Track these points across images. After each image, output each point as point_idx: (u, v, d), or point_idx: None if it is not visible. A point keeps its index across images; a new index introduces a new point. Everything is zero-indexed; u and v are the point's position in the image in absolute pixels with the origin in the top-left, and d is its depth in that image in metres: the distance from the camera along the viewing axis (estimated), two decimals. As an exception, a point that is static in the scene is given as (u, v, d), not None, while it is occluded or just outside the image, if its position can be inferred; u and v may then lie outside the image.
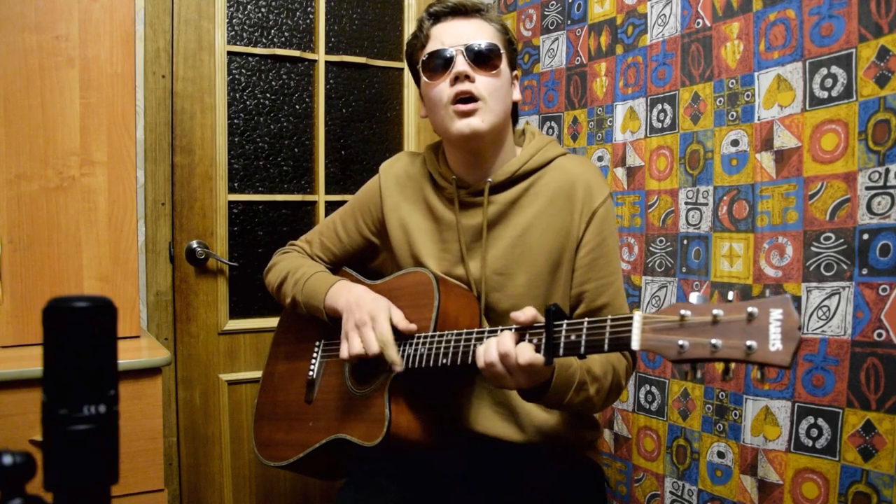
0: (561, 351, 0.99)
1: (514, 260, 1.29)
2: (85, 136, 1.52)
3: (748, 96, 1.53)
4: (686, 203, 1.68)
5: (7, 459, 0.44)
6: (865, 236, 1.32)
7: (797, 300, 1.43)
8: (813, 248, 1.41)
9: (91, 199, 1.53)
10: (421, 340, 1.20)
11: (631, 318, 0.91)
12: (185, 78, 2.00)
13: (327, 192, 2.22)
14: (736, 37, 1.56)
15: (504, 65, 1.28)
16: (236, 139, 2.10)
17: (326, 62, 2.20)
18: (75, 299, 0.46)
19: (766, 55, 1.49)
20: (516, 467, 1.30)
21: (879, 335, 1.30)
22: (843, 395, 1.35)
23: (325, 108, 2.20)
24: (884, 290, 1.29)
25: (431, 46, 1.28)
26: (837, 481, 1.36)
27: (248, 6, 2.10)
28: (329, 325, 1.35)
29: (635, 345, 0.89)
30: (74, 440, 0.45)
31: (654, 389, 1.76)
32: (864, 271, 1.32)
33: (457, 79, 1.23)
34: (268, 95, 2.14)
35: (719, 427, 1.59)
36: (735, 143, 1.57)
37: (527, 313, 1.04)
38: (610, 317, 0.95)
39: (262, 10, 2.12)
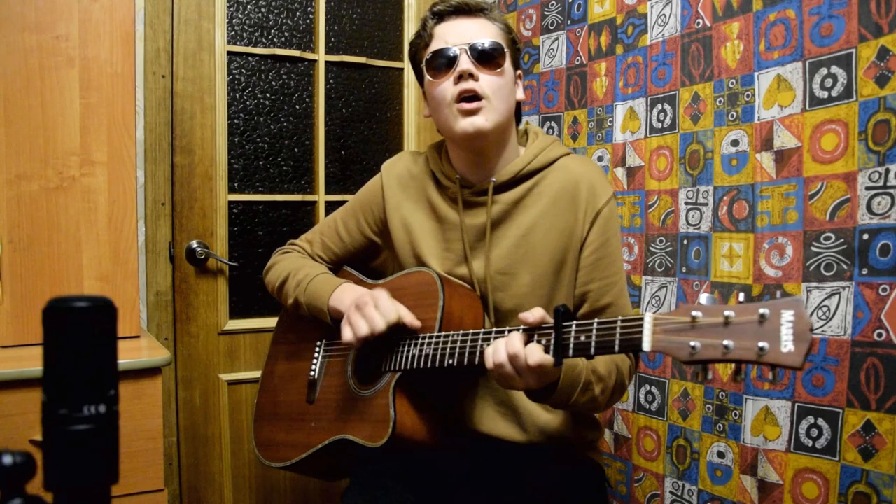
0: (570, 352, 0.99)
1: (518, 259, 1.29)
2: (85, 136, 1.52)
3: (748, 96, 1.53)
4: (686, 203, 1.68)
5: (7, 459, 0.44)
6: (865, 236, 1.32)
7: (797, 300, 1.43)
8: (813, 248, 1.41)
9: (91, 199, 1.53)
10: (426, 341, 1.20)
11: (642, 319, 0.91)
12: (185, 78, 2.00)
13: (327, 192, 2.22)
14: (736, 37, 1.56)
15: (508, 64, 1.28)
16: (236, 139, 2.10)
17: (326, 62, 2.20)
18: (75, 299, 0.46)
19: (766, 55, 1.49)
20: (518, 467, 1.30)
21: (879, 335, 1.30)
22: (843, 395, 1.35)
23: (325, 108, 2.20)
24: (884, 290, 1.29)
25: (435, 45, 1.28)
26: (837, 481, 1.36)
27: (248, 6, 2.10)
28: (331, 325, 1.35)
29: (646, 346, 0.89)
30: (74, 440, 0.45)
31: (654, 389, 1.76)
32: (864, 271, 1.32)
33: (461, 77, 1.23)
34: (268, 95, 2.14)
35: (719, 427, 1.59)
36: (735, 143, 1.57)
37: (535, 314, 1.04)
38: (620, 318, 0.95)
39: (262, 10, 2.12)
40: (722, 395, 1.59)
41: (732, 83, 1.57)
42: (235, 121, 2.10)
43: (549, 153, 1.32)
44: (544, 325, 1.04)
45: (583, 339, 0.98)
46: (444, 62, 1.26)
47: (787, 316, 0.78)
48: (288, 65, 2.16)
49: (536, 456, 1.30)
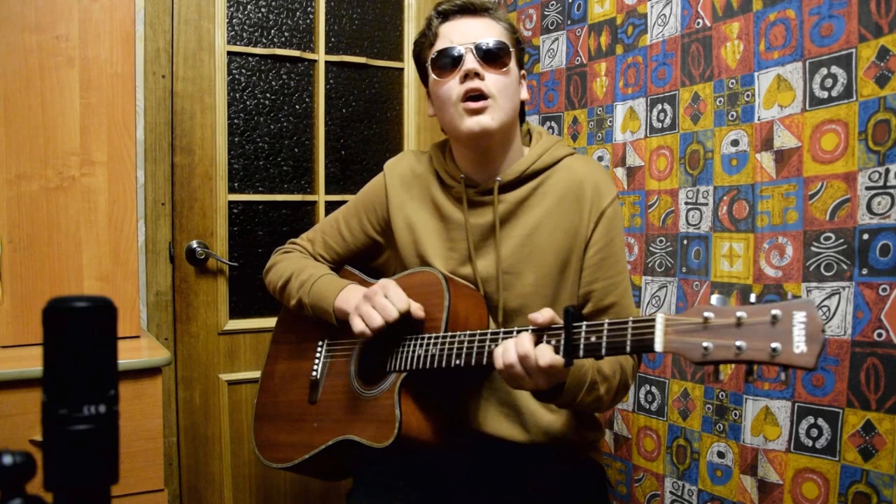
0: (581, 352, 0.99)
1: (523, 259, 1.29)
2: (85, 136, 1.52)
3: (748, 96, 1.53)
4: (686, 203, 1.68)
5: (7, 459, 0.44)
6: (865, 236, 1.32)
7: (797, 300, 1.43)
8: (813, 248, 1.41)
9: (91, 199, 1.53)
10: (432, 341, 1.20)
11: (653, 319, 0.91)
12: (185, 78, 2.00)
13: (327, 192, 2.22)
14: (736, 37, 1.56)
15: (513, 63, 1.28)
16: (236, 139, 2.10)
17: (326, 62, 2.20)
18: (75, 299, 0.46)
19: (766, 55, 1.49)
20: (521, 467, 1.30)
21: (879, 335, 1.30)
22: (843, 395, 1.35)
23: (325, 108, 2.20)
24: (884, 290, 1.29)
25: (440, 44, 1.28)
26: (837, 481, 1.36)
27: (248, 6, 2.10)
28: (334, 326, 1.35)
29: (658, 347, 0.90)
30: (74, 440, 0.45)
31: (654, 389, 1.76)
32: (864, 271, 1.32)
33: (466, 76, 1.23)
34: (268, 95, 2.14)
35: (719, 427, 1.59)
36: (735, 143, 1.57)
37: (545, 315, 1.04)
38: (631, 318, 0.95)
39: (262, 10, 2.12)
40: (722, 395, 1.59)
41: (732, 83, 1.57)
42: (235, 121, 2.10)
43: (554, 153, 1.32)
44: (553, 326, 1.04)
45: (593, 339, 0.98)
46: (449, 61, 1.26)
47: (800, 317, 0.79)
48: (288, 65, 2.16)
49: (539, 456, 1.30)
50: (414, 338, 1.23)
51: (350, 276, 1.44)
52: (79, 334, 0.46)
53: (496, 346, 1.09)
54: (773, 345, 0.80)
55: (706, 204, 1.63)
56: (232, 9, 2.08)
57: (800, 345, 0.78)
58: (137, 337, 1.59)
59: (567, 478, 1.32)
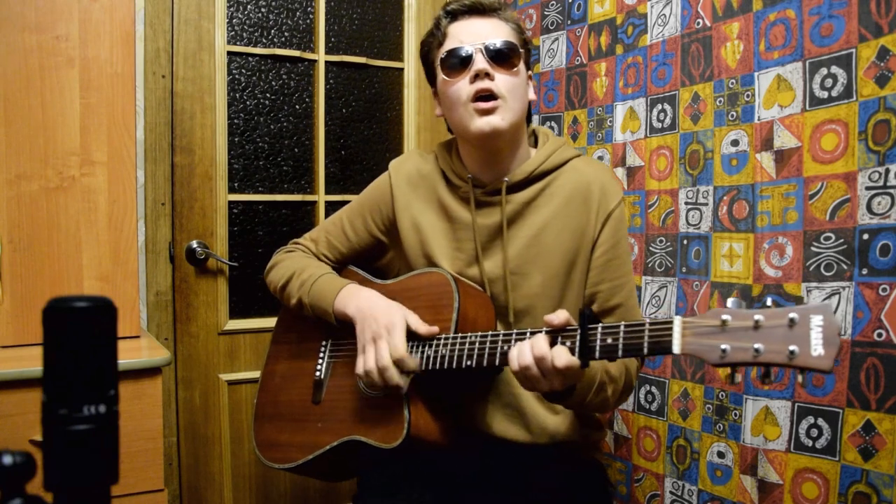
0: (597, 354, 1.00)
1: (530, 260, 1.29)
2: (85, 136, 1.52)
3: (748, 96, 1.53)
4: (686, 203, 1.68)
5: (7, 459, 0.44)
6: (865, 236, 1.32)
7: (797, 300, 1.43)
8: (813, 248, 1.41)
9: (91, 199, 1.53)
10: (442, 342, 1.19)
11: (671, 322, 0.92)
12: (185, 78, 2.00)
13: (327, 192, 2.22)
14: (736, 37, 1.56)
15: (521, 64, 1.29)
16: (236, 139, 2.10)
17: (326, 62, 2.20)
18: (75, 299, 0.46)
19: (766, 55, 1.49)
20: (525, 468, 1.30)
21: (879, 335, 1.30)
22: (843, 394, 1.35)
23: (325, 108, 2.20)
24: (884, 290, 1.29)
25: (450, 44, 1.28)
26: (837, 481, 1.36)
27: (248, 6, 2.10)
28: (336, 326, 1.35)
29: (676, 349, 0.91)
30: (74, 440, 0.45)
31: (654, 389, 1.76)
32: (864, 271, 1.32)
33: (476, 76, 1.24)
34: (268, 95, 2.14)
35: (719, 427, 1.59)
36: (735, 143, 1.57)
37: (560, 316, 1.04)
38: (648, 320, 0.96)
39: (262, 10, 2.12)
40: (722, 395, 1.59)
41: (732, 83, 1.57)
42: (235, 121, 2.10)
43: (562, 154, 1.32)
44: (568, 328, 1.04)
45: (609, 341, 0.99)
46: (458, 61, 1.26)
47: (817, 321, 0.81)
48: (288, 65, 2.16)
49: (542, 457, 1.31)
50: (422, 339, 1.22)
51: (353, 276, 1.43)
52: (79, 334, 0.46)
53: (509, 347, 1.09)
54: (791, 347, 0.82)
55: (706, 204, 1.63)
56: (232, 9, 2.08)
57: (817, 348, 0.80)
58: (137, 337, 1.59)
59: (570, 478, 1.32)
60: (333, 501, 2.22)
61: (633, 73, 1.82)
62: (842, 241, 1.36)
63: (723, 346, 0.86)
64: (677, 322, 0.92)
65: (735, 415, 1.55)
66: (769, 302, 0.85)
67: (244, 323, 2.11)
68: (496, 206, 1.31)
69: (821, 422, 1.39)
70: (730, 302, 0.88)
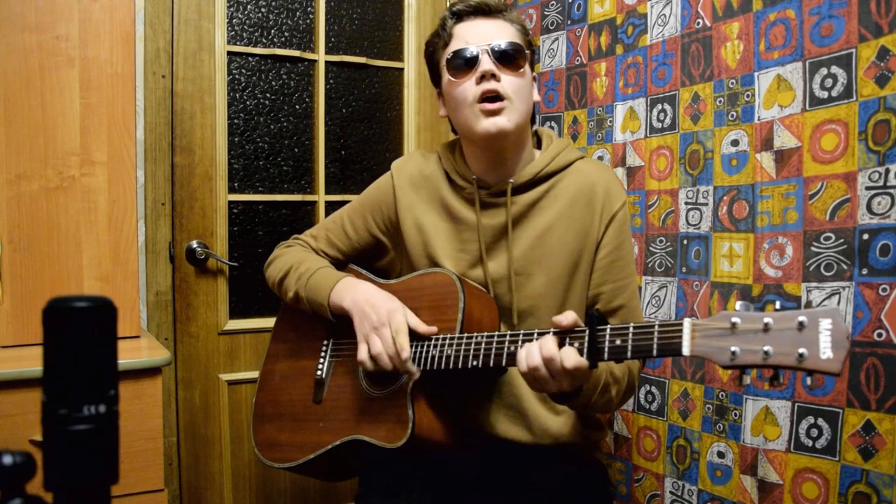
0: (606, 355, 1.00)
1: (534, 261, 1.29)
2: (85, 136, 1.52)
3: (748, 96, 1.53)
4: (686, 203, 1.68)
5: (7, 459, 0.44)
6: (865, 236, 1.32)
7: (797, 300, 1.43)
8: (813, 248, 1.41)
9: (91, 199, 1.53)
10: (447, 342, 1.20)
11: (680, 324, 0.93)
12: (185, 78, 2.00)
13: (327, 192, 2.22)
14: (736, 37, 1.56)
15: (527, 65, 1.29)
16: (236, 139, 2.10)
17: (326, 62, 2.20)
18: (75, 299, 0.46)
19: (766, 55, 1.49)
20: (526, 469, 1.31)
21: (879, 335, 1.30)
22: (843, 395, 1.35)
23: (325, 108, 2.20)
24: (884, 290, 1.29)
25: (455, 45, 1.28)
26: (837, 481, 1.36)
27: (248, 6, 2.10)
28: (335, 323, 1.34)
29: (686, 351, 0.92)
30: (74, 440, 0.45)
31: (654, 389, 1.76)
32: (864, 271, 1.32)
33: (483, 77, 1.24)
34: (268, 95, 2.14)
35: (719, 427, 1.59)
36: (735, 143, 1.57)
37: (568, 317, 1.04)
38: (658, 322, 0.97)
39: (262, 10, 2.12)
40: (722, 395, 1.59)
41: (732, 83, 1.57)
42: (235, 121, 2.10)
43: (566, 156, 1.33)
44: (576, 329, 1.04)
45: (619, 342, 0.99)
46: (464, 62, 1.26)
47: (826, 324, 0.82)
48: (288, 65, 2.16)
49: (544, 457, 1.31)
50: (426, 339, 1.22)
51: (354, 274, 1.43)
52: (79, 334, 0.46)
53: (515, 347, 1.10)
54: (800, 350, 0.83)
55: (706, 204, 1.63)
56: (232, 9, 2.08)
57: (826, 351, 0.81)
58: (137, 337, 1.59)
59: (571, 478, 1.33)
60: (334, 501, 2.22)
61: (633, 73, 1.82)
62: (842, 241, 1.36)
63: (732, 349, 0.87)
64: (686, 324, 0.92)
65: (735, 415, 1.55)
66: (777, 305, 0.87)
67: (244, 323, 2.11)
68: (501, 207, 1.31)
69: (821, 422, 1.39)
70: (738, 305, 0.89)
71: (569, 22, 2.02)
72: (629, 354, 0.98)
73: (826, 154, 1.39)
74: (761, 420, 1.50)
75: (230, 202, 2.09)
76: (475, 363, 1.15)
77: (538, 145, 1.39)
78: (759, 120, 1.51)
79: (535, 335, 1.08)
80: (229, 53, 2.07)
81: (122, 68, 1.54)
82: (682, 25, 1.68)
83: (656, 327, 0.96)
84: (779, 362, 0.84)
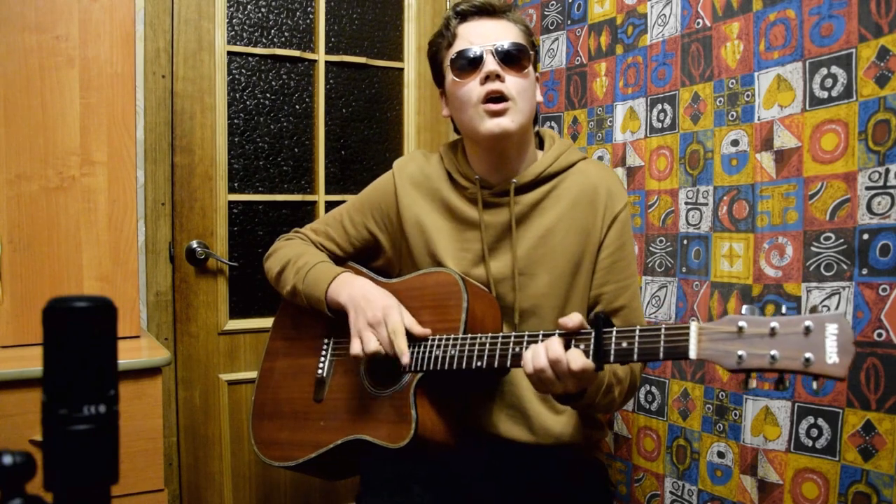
0: (612, 357, 1.01)
1: (537, 261, 1.29)
2: (85, 136, 1.52)
3: (748, 96, 1.53)
4: (686, 203, 1.68)
5: (7, 459, 0.44)
6: (865, 236, 1.32)
7: (797, 300, 1.43)
8: (813, 248, 1.41)
9: (91, 199, 1.53)
10: (451, 342, 1.20)
11: (687, 327, 0.93)
12: (185, 78, 2.00)
13: (327, 192, 2.22)
14: (736, 37, 1.56)
15: (530, 65, 1.29)
16: (236, 139, 2.10)
17: (326, 62, 2.20)
18: (75, 299, 0.46)
19: (766, 55, 1.49)
20: (526, 468, 1.31)
21: (879, 335, 1.30)
22: (843, 394, 1.35)
23: (325, 108, 2.20)
24: (884, 290, 1.29)
25: (459, 45, 1.28)
26: (837, 481, 1.36)
27: (248, 6, 2.10)
28: (335, 320, 1.34)
29: (692, 354, 0.92)
30: (74, 440, 0.45)
31: (654, 389, 1.76)
32: (864, 271, 1.32)
33: (487, 78, 1.24)
34: (268, 95, 2.14)
35: (719, 427, 1.59)
36: (735, 143, 1.57)
37: (574, 319, 1.04)
38: (664, 325, 0.97)
39: (262, 10, 2.12)
40: (722, 395, 1.59)
41: (732, 83, 1.57)
42: (235, 121, 2.10)
43: (569, 157, 1.33)
44: (582, 331, 1.04)
45: (624, 345, 0.99)
46: (468, 62, 1.26)
47: (832, 329, 0.83)
48: (288, 65, 2.16)
49: (545, 457, 1.31)
50: (431, 339, 1.22)
51: (354, 272, 1.43)
52: (79, 334, 0.46)
53: (520, 348, 1.10)
54: (807, 355, 0.83)
55: (706, 204, 1.63)
56: (232, 9, 2.08)
57: (832, 355, 0.82)
58: (137, 337, 1.59)
59: (572, 478, 1.33)
60: (334, 501, 2.22)
61: (633, 73, 1.82)
62: (842, 241, 1.36)
63: (739, 353, 0.88)
64: (693, 327, 0.93)
65: (735, 415, 1.55)
66: (784, 310, 0.88)
67: (244, 323, 2.11)
68: (504, 207, 1.31)
69: (821, 422, 1.39)
70: (744, 308, 0.89)
71: (569, 22, 2.02)
72: (635, 357, 0.98)
73: (826, 154, 1.39)
74: (761, 420, 1.50)
75: (230, 202, 2.09)
76: (479, 364, 1.15)
77: (540, 146, 1.39)
78: (759, 120, 1.51)
79: (540, 337, 1.08)
80: (229, 53, 2.07)
81: (122, 68, 1.54)
82: (682, 25, 1.68)
83: (662, 330, 0.96)
84: (785, 366, 0.85)
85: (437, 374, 1.21)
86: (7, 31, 1.44)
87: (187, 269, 2.03)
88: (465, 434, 1.30)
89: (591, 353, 1.02)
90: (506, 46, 1.25)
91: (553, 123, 2.08)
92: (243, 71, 2.10)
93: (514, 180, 1.30)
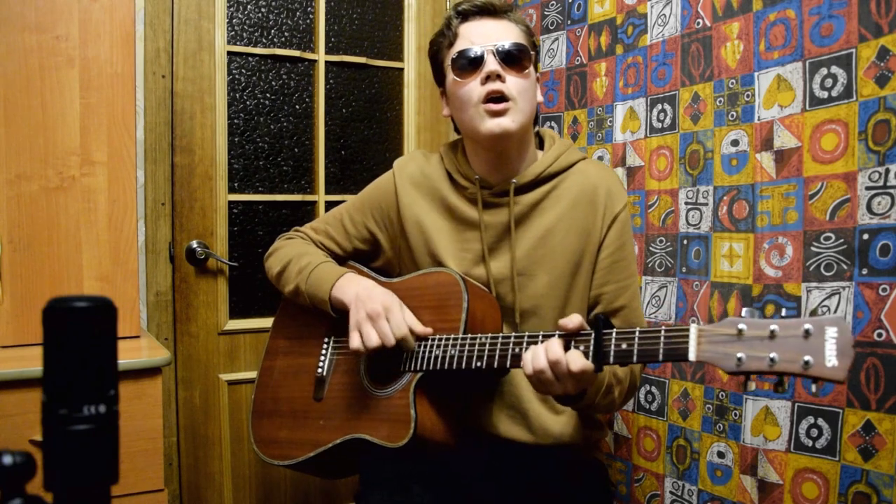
0: (611, 359, 1.01)
1: (536, 261, 1.30)
2: (85, 136, 1.52)
3: (748, 96, 1.53)
4: (686, 203, 1.68)
5: (7, 459, 0.44)
6: (865, 236, 1.32)
7: (797, 300, 1.43)
8: (813, 248, 1.41)
9: (91, 199, 1.53)
10: (451, 342, 1.20)
11: (687, 329, 0.94)
12: (185, 78, 2.00)
13: (327, 192, 2.22)
14: (736, 37, 1.56)
15: (531, 66, 1.29)
16: (236, 139, 2.10)
17: (326, 62, 2.20)
18: (75, 299, 0.46)
19: (766, 55, 1.49)
20: (527, 468, 1.31)
21: (879, 335, 1.30)
22: (843, 394, 1.35)
23: (325, 108, 2.20)
24: (884, 290, 1.29)
25: (460, 45, 1.28)
26: (837, 481, 1.36)
27: (248, 6, 2.10)
28: (336, 319, 1.34)
29: (692, 356, 0.92)
30: (74, 440, 0.45)
31: (654, 389, 1.76)
32: (864, 271, 1.32)
33: (488, 78, 1.24)
34: (268, 95, 2.14)
35: (719, 427, 1.59)
36: (735, 143, 1.57)
37: (574, 320, 1.04)
38: (664, 327, 0.97)
39: (262, 10, 2.12)
40: (722, 395, 1.59)
41: (732, 83, 1.57)
42: (235, 121, 2.10)
43: (569, 157, 1.33)
44: (582, 332, 1.05)
45: (624, 346, 1.00)
46: (469, 62, 1.26)
47: (831, 332, 0.83)
48: (288, 65, 2.16)
49: (545, 457, 1.31)
50: (431, 339, 1.22)
51: (356, 272, 1.43)
52: (79, 334, 0.46)
53: (520, 349, 1.10)
54: (806, 358, 0.84)
55: (706, 204, 1.63)
56: (232, 9, 2.08)
57: (831, 358, 0.82)
58: (137, 337, 1.59)
59: (572, 478, 1.33)
60: (334, 501, 2.22)
61: (633, 73, 1.82)
62: (842, 241, 1.36)
63: (738, 355, 0.88)
64: (693, 330, 0.93)
65: (735, 415, 1.55)
66: (784, 312, 0.88)
67: (244, 323, 2.11)
68: (503, 207, 1.31)
69: (821, 422, 1.39)
70: (744, 311, 0.90)
71: (569, 22, 2.02)
72: (635, 359, 0.98)
73: (826, 154, 1.39)
74: (761, 420, 1.50)
75: (230, 202, 2.09)
76: (479, 364, 1.15)
77: (540, 146, 1.40)
78: (759, 120, 1.51)
79: (540, 337, 1.08)
80: (229, 53, 2.07)
81: (122, 68, 1.54)
82: (682, 25, 1.68)
83: (662, 332, 0.97)
84: (784, 369, 0.85)
85: (436, 374, 1.21)
86: (7, 31, 1.44)
87: (187, 269, 2.03)
88: (465, 434, 1.30)
89: (590, 354, 1.02)
90: (507, 46, 1.25)
91: (553, 123, 2.08)
92: (243, 71, 2.10)
93: (514, 180, 1.30)
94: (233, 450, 2.09)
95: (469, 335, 1.19)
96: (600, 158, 1.92)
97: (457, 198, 1.35)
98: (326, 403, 1.36)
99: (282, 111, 2.16)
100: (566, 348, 1.03)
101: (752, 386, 0.90)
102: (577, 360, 1.01)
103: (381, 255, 1.45)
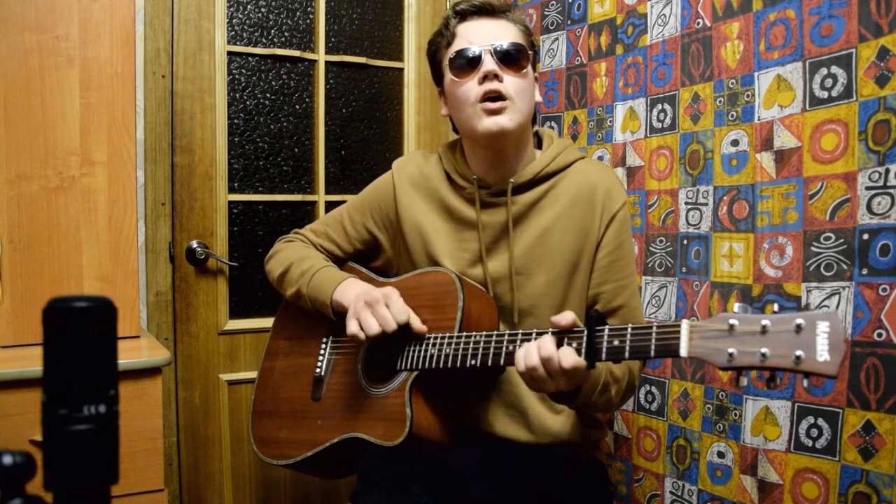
0: (604, 355, 1.01)
1: (534, 260, 1.30)
2: (85, 136, 1.52)
3: (748, 96, 1.53)
4: (686, 203, 1.68)
5: (7, 459, 0.44)
6: (865, 236, 1.32)
7: (797, 300, 1.43)
8: (813, 248, 1.41)
9: (91, 199, 1.53)
10: (446, 341, 1.20)
11: (678, 325, 0.93)
12: (185, 78, 2.00)
13: (327, 192, 2.22)
14: (736, 37, 1.56)
15: (529, 65, 1.29)
16: (236, 139, 2.10)
17: (326, 62, 2.20)
18: (75, 299, 0.46)
19: (766, 55, 1.49)
20: (527, 468, 1.31)
21: (879, 335, 1.30)
22: (843, 395, 1.35)
23: (325, 108, 2.20)
24: (884, 290, 1.29)
25: (458, 45, 1.29)
26: (837, 481, 1.36)
27: (248, 6, 2.10)
28: (337, 322, 1.35)
29: (683, 352, 0.92)
30: (74, 440, 0.45)
31: (654, 389, 1.76)
32: (864, 271, 1.32)
33: (485, 77, 1.24)
34: (268, 95, 2.14)
35: (719, 427, 1.59)
36: (735, 143, 1.57)
37: (566, 318, 1.04)
38: (656, 323, 0.97)
39: (262, 10, 2.12)
40: (722, 395, 1.59)
41: (732, 83, 1.57)
42: (235, 121, 2.10)
43: (567, 156, 1.33)
44: (575, 329, 1.04)
45: (616, 343, 0.99)
46: (467, 62, 1.26)
47: (823, 327, 0.83)
48: (288, 65, 2.16)
49: (544, 456, 1.31)
50: (426, 337, 1.23)
51: (355, 273, 1.43)
52: (79, 334, 0.46)
53: (514, 347, 1.10)
54: (797, 353, 0.83)
55: (706, 204, 1.63)
56: (232, 9, 2.08)
57: (823, 353, 0.82)
58: (137, 337, 1.59)
59: (572, 477, 1.33)
60: (334, 501, 2.22)
61: (633, 73, 1.82)
62: (842, 241, 1.36)
63: (730, 350, 0.88)
64: (684, 326, 0.93)
65: (735, 415, 1.55)
66: (776, 307, 0.87)
67: (244, 323, 2.11)
68: (501, 207, 1.31)
69: (821, 422, 1.39)
70: (736, 307, 0.89)
71: (569, 22, 2.02)
72: (627, 355, 0.98)
73: (826, 154, 1.39)
74: (761, 420, 1.50)
75: (230, 202, 2.09)
76: (473, 362, 1.15)
77: (539, 146, 1.40)
78: (759, 120, 1.51)
79: (534, 335, 1.08)
80: (229, 53, 2.07)
81: (122, 68, 1.54)
82: (682, 25, 1.68)
83: (654, 328, 0.96)
84: (776, 364, 0.85)
85: (432, 373, 1.21)
86: (7, 31, 1.44)
87: (187, 269, 2.03)
88: (463, 433, 1.30)
89: (582, 351, 1.02)
90: (504, 46, 1.25)
91: (553, 123, 2.08)
92: (243, 71, 2.10)
93: (512, 180, 1.30)
94: (233, 450, 2.09)
95: (464, 333, 1.19)
96: (600, 158, 1.92)
97: (455, 198, 1.35)
98: (324, 403, 1.36)
99: (282, 111, 2.16)
100: (559, 345, 1.03)
101: (745, 381, 0.90)
102: (569, 357, 1.01)
103: (382, 254, 1.46)
